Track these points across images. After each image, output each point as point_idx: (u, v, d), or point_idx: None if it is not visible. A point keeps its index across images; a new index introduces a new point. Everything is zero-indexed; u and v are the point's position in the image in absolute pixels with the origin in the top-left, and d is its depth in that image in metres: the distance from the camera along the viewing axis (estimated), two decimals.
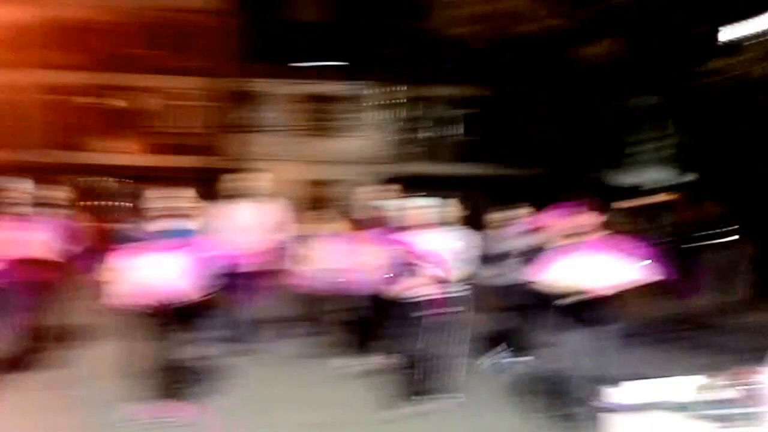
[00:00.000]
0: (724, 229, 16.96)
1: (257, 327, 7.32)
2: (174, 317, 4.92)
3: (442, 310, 5.25)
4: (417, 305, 5.25)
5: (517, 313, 6.68)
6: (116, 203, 24.29)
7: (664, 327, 9.69)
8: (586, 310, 4.67)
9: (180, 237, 4.95)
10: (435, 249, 5.28)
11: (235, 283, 7.00)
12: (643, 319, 8.60)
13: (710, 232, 17.61)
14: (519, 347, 6.92)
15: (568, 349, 4.92)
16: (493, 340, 7.15)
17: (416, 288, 5.20)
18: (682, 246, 18.93)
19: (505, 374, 6.69)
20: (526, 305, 6.37)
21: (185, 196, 5.10)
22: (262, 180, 7.16)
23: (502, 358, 6.95)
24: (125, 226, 9.60)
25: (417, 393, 5.34)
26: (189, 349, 5.03)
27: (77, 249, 6.17)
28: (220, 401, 5.60)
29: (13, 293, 5.97)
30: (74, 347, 7.05)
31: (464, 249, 5.36)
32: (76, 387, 5.87)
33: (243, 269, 6.85)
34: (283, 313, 8.54)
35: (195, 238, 5.07)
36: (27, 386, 5.86)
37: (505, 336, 6.96)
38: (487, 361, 6.98)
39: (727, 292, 13.47)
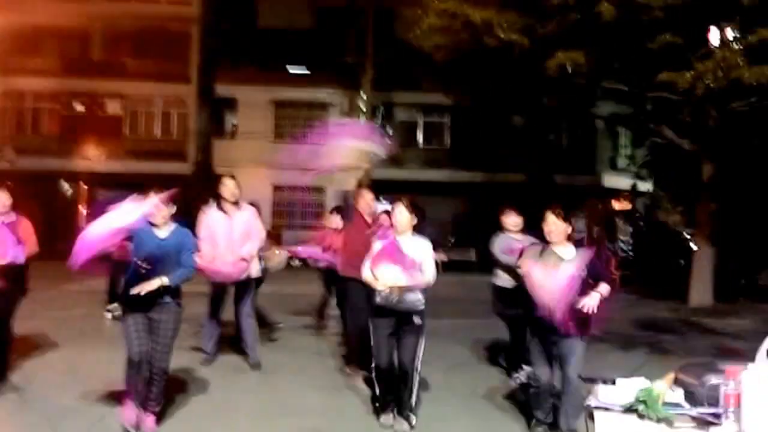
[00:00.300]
0: (685, 236, 17.35)
1: (247, 334, 7.19)
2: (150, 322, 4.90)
3: (412, 319, 5.16)
4: (391, 312, 5.16)
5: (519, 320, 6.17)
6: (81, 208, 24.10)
7: (628, 331, 9.86)
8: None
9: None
10: (404, 254, 5.12)
11: (218, 289, 7.05)
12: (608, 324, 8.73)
13: (672, 238, 18.05)
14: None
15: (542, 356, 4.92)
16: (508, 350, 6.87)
17: (389, 294, 5.04)
18: (645, 251, 19.40)
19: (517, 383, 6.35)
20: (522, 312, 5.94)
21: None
22: (235, 185, 7.05)
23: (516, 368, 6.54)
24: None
25: (388, 403, 5.29)
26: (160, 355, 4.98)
27: (23, 255, 5.95)
28: (211, 409, 5.61)
29: None
30: (32, 355, 7.01)
31: (425, 255, 5.19)
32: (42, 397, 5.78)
33: (225, 275, 6.77)
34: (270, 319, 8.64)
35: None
36: None
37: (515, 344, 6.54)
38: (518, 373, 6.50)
39: (689, 296, 13.74)
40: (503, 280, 6.59)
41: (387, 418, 5.26)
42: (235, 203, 6.88)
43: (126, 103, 24.52)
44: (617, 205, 21.21)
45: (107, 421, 5.10)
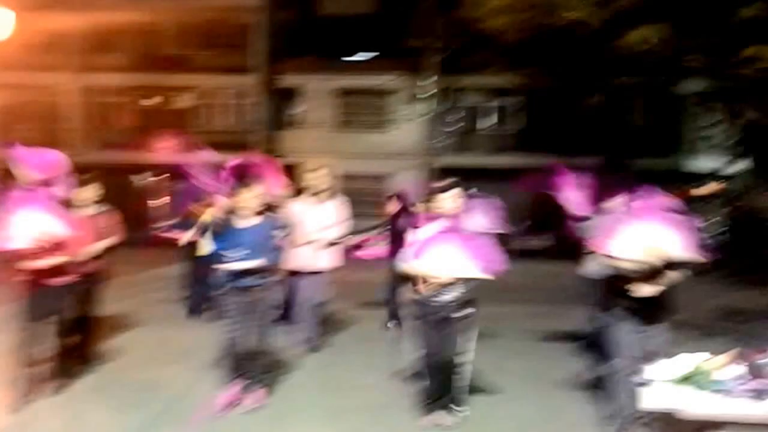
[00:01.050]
0: None
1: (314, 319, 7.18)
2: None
3: (457, 310, 4.93)
4: (438, 306, 4.93)
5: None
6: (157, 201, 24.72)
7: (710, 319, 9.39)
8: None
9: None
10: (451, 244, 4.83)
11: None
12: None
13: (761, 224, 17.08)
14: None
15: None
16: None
17: (434, 287, 4.86)
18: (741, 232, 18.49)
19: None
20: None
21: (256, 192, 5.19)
22: (326, 175, 7.04)
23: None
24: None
25: (435, 400, 5.06)
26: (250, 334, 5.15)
27: (110, 243, 6.12)
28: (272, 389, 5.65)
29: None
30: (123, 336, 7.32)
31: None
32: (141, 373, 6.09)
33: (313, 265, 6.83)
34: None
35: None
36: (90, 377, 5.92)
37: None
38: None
39: None
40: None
41: (430, 414, 5.06)
42: (324, 193, 6.96)
43: (194, 96, 25.09)
44: (696, 191, 20.21)
45: (190, 397, 5.35)
